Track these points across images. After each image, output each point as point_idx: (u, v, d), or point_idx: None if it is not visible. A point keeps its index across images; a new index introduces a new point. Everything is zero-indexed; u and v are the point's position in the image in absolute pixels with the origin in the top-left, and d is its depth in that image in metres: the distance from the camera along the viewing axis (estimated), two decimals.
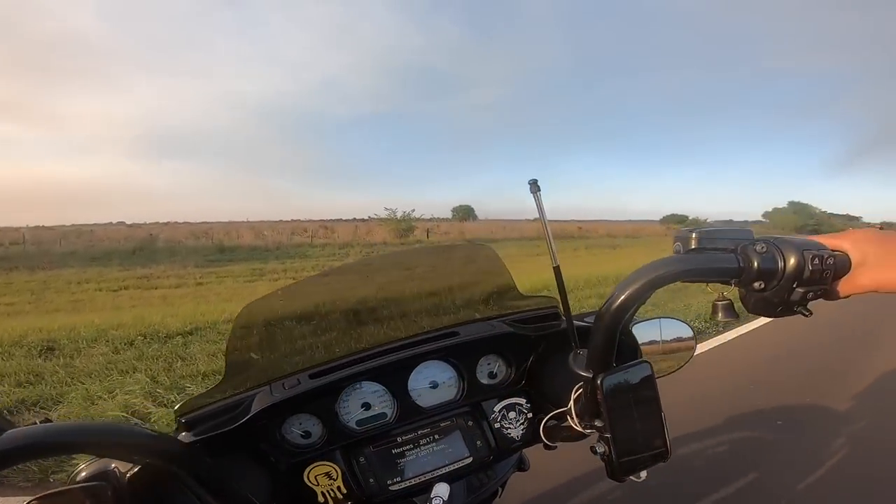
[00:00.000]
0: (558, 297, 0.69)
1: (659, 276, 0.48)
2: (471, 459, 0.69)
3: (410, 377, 0.71)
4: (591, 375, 0.55)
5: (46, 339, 4.30)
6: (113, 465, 0.54)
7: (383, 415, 0.69)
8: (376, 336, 0.77)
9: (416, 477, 0.67)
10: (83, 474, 0.54)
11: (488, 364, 0.75)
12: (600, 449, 0.56)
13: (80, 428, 0.44)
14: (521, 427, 0.74)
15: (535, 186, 0.61)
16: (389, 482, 0.66)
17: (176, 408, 0.63)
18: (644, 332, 0.77)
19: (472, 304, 0.86)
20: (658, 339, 0.79)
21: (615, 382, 0.54)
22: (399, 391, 0.70)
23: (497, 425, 0.72)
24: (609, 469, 0.57)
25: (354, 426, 0.68)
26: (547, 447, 0.72)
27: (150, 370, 3.45)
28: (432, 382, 0.72)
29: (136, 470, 0.53)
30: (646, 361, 0.57)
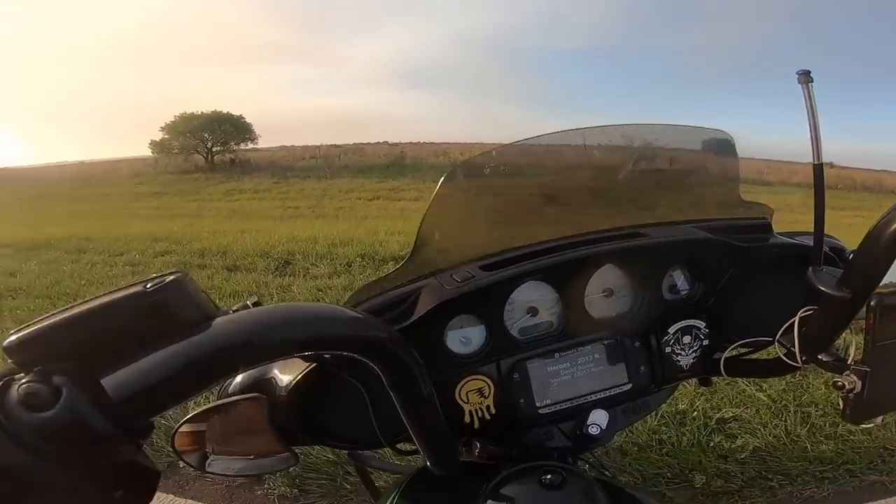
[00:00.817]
0: (813, 202, 0.52)
1: None
2: (630, 386, 0.61)
3: (588, 282, 0.60)
4: (848, 296, 0.47)
5: (289, 252, 4.73)
6: (268, 376, 0.53)
7: (549, 323, 0.60)
8: (555, 228, 0.66)
9: (569, 401, 0.59)
10: (236, 385, 0.53)
11: (673, 276, 0.63)
12: (848, 385, 0.49)
13: (333, 316, 0.38)
14: (693, 355, 0.63)
15: (806, 77, 0.47)
16: (539, 404, 0.58)
17: (351, 296, 0.58)
18: None
19: (674, 203, 0.71)
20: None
21: (891, 308, 0.45)
22: (572, 297, 0.60)
23: (668, 350, 0.62)
24: (850, 410, 0.50)
25: (517, 335, 0.59)
26: (705, 382, 0.68)
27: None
28: (607, 290, 0.62)
29: (300, 378, 0.51)
30: None
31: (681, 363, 0.63)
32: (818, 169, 0.50)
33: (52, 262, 5.20)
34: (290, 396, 0.51)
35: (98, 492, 0.27)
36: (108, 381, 0.26)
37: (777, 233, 0.65)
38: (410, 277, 0.59)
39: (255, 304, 0.38)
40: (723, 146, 0.67)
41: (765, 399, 2.12)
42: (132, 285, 0.30)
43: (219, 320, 0.32)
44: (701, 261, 0.63)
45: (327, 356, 0.48)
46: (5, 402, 0.24)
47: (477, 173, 0.61)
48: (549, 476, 0.49)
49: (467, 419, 0.57)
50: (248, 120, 32.81)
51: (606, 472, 0.73)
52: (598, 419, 0.57)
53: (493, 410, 0.58)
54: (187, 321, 0.30)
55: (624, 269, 0.62)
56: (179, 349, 0.29)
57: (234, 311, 0.34)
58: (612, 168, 0.69)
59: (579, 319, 0.61)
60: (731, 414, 2.03)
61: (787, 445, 1.90)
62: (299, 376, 0.51)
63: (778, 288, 0.61)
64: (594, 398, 0.60)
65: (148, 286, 0.29)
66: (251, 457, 0.55)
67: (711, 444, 1.90)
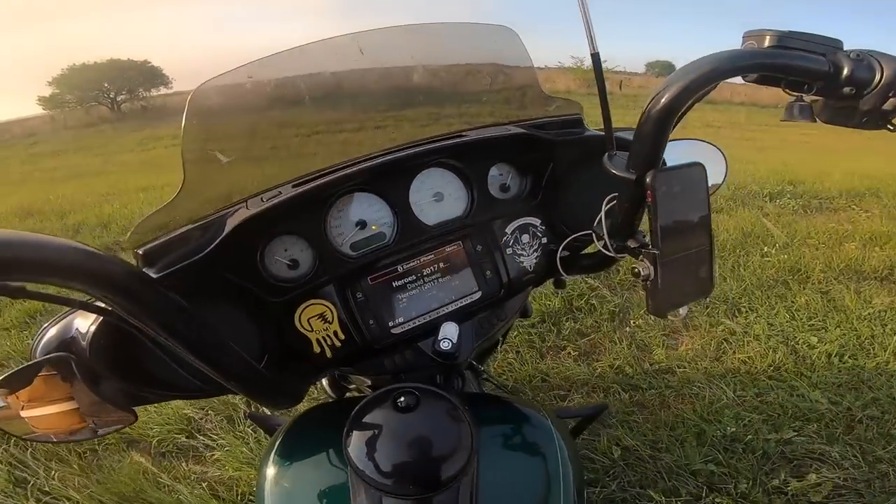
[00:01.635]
0: (598, 95, 0.51)
1: (729, 66, 0.42)
2: (480, 294, 0.61)
3: (412, 187, 0.59)
4: (633, 177, 0.47)
5: None
6: (72, 333, 0.49)
7: (381, 235, 0.59)
8: (371, 141, 0.64)
9: (421, 316, 0.58)
10: (42, 346, 0.49)
11: (500, 175, 0.65)
12: (644, 271, 0.49)
13: (35, 242, 0.30)
14: (535, 254, 0.65)
15: None
16: (391, 323, 0.58)
17: (127, 236, 0.50)
18: (672, 153, 0.57)
19: (485, 105, 0.71)
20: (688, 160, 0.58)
21: (668, 183, 0.46)
22: (399, 204, 0.59)
23: (509, 251, 0.63)
24: (651, 300, 0.49)
25: (349, 251, 0.57)
26: (559, 284, 0.69)
27: None
28: (437, 194, 0.61)
29: (94, 330, 0.47)
30: (699, 164, 0.48)
31: (524, 264, 0.63)
32: (595, 57, 0.49)
33: None
34: (93, 350, 0.47)
35: None
36: None
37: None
38: (213, 208, 0.54)
39: None
40: (510, 41, 0.65)
41: (824, 403, 1.63)
42: None
43: None
44: (521, 156, 0.63)
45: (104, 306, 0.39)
46: None
47: (236, 89, 0.55)
48: (402, 398, 0.46)
49: (316, 349, 0.55)
50: (156, 64, 30.23)
51: (489, 384, 0.73)
52: (449, 332, 0.54)
53: (341, 336, 0.56)
54: None
55: (448, 171, 0.61)
56: None
57: None
58: (417, 73, 0.66)
59: (413, 227, 0.58)
60: (791, 432, 1.53)
61: (867, 473, 1.43)
62: (92, 328, 0.47)
63: (595, 180, 0.58)
64: (446, 311, 0.58)
65: None
66: (79, 421, 0.51)
67: (776, 482, 1.40)
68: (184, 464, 1.51)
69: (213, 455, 1.52)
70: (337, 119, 0.66)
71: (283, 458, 0.53)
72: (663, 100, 0.42)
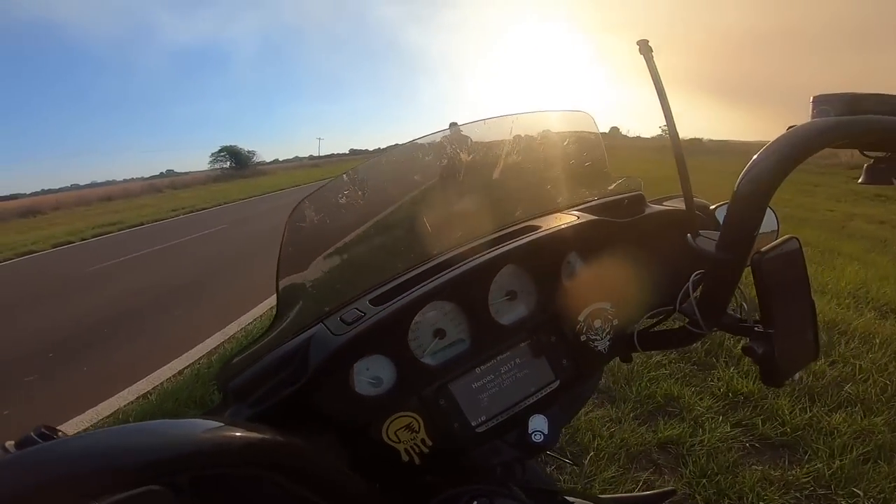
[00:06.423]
0: (678, 177, 0.52)
1: (822, 139, 0.42)
2: (558, 383, 0.60)
3: (489, 292, 0.59)
4: (729, 256, 0.47)
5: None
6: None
7: (460, 341, 0.58)
8: (441, 239, 0.66)
9: (503, 413, 0.58)
10: None
11: (569, 263, 0.62)
12: (759, 349, 0.49)
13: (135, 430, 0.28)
14: (608, 337, 0.63)
15: (645, 48, 0.49)
16: (475, 423, 0.57)
17: (218, 372, 0.54)
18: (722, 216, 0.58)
19: (556, 189, 0.72)
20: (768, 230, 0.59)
21: (774, 264, 0.47)
22: (476, 309, 0.58)
23: (583, 338, 0.62)
24: (768, 374, 0.50)
25: (429, 361, 0.56)
26: (626, 359, 0.67)
27: None
28: (510, 293, 0.60)
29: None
30: (794, 238, 0.49)
31: (599, 348, 0.62)
32: (675, 138, 0.49)
33: None
34: (197, 485, 0.42)
35: None
36: None
37: (649, 200, 0.66)
38: (293, 331, 0.55)
39: (44, 435, 0.28)
40: (585, 126, 0.69)
41: None
42: None
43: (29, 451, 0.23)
44: (589, 242, 0.62)
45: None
46: None
47: (331, 202, 0.59)
48: (475, 502, 0.47)
49: (405, 458, 0.54)
50: None
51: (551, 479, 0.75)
52: (539, 425, 0.55)
53: (429, 443, 0.55)
54: None
55: (522, 268, 0.60)
56: None
57: (15, 446, 0.26)
58: (485, 166, 0.67)
59: (490, 330, 0.58)
60: None
61: None
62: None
63: (666, 255, 0.59)
64: (528, 403, 0.58)
65: None
66: None
67: None
68: None
69: None
70: (408, 221, 0.65)
71: None
72: (756, 180, 0.43)
